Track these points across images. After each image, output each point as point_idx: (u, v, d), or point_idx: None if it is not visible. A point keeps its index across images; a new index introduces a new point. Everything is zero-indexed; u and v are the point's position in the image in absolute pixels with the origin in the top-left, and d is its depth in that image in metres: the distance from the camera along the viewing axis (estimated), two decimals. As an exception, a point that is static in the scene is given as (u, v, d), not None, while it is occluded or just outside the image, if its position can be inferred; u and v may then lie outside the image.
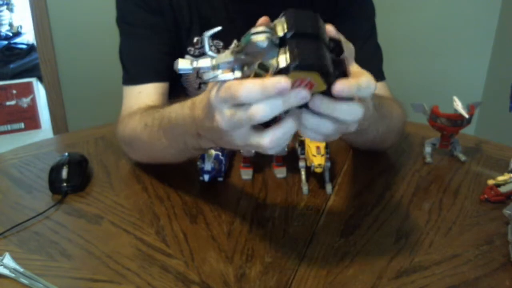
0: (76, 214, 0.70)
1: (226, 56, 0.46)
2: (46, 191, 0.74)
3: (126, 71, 0.87)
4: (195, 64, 0.47)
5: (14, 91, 2.75)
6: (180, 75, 0.92)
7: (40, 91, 2.74)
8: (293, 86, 0.44)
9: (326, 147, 0.69)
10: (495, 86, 2.16)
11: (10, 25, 3.62)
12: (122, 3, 0.86)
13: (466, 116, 0.77)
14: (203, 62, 0.47)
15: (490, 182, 0.74)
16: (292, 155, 0.79)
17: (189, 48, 0.89)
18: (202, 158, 0.73)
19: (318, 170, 0.67)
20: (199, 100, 0.56)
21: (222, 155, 0.75)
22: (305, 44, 0.44)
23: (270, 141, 0.47)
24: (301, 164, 0.75)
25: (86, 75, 2.22)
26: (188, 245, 0.63)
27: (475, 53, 2.20)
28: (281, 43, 0.45)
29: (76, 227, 0.67)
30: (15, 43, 3.41)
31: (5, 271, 0.57)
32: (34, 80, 2.78)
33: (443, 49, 2.19)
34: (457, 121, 0.78)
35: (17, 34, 3.54)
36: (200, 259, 0.60)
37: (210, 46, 0.50)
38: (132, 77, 0.85)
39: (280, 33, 0.45)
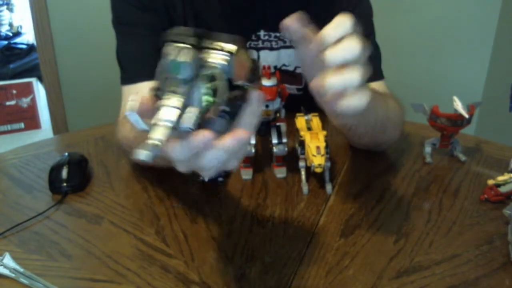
0: (76, 214, 0.70)
1: (165, 102, 0.41)
2: (46, 191, 0.74)
3: (124, 70, 0.87)
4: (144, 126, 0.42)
5: (14, 91, 2.75)
6: None
7: (40, 91, 2.74)
8: (236, 76, 0.43)
9: (326, 147, 0.69)
10: (495, 86, 2.16)
11: (10, 25, 3.62)
12: (116, 4, 0.87)
13: (466, 116, 0.77)
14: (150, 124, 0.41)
15: (490, 182, 0.74)
16: (292, 155, 0.79)
17: None
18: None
19: (318, 170, 0.67)
20: None
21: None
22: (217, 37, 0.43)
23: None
24: (301, 164, 0.75)
25: (86, 75, 2.22)
26: (188, 245, 0.63)
27: (475, 53, 2.20)
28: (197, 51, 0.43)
29: (76, 227, 0.67)
30: (15, 43, 3.40)
31: (5, 271, 0.57)
32: (34, 80, 2.78)
33: (443, 49, 2.19)
34: (457, 121, 0.78)
35: (17, 34, 3.54)
36: (200, 259, 0.60)
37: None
38: (129, 76, 0.85)
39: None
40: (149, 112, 0.42)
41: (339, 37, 0.48)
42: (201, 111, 0.41)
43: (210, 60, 0.43)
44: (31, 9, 2.11)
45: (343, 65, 0.49)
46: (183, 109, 0.41)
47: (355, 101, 0.50)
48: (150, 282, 0.56)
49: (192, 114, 0.40)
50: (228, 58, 0.42)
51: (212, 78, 0.42)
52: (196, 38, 0.43)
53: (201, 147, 0.41)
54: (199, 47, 0.43)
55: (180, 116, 0.40)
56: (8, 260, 0.58)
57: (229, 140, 0.42)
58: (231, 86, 0.43)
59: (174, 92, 0.41)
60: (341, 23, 0.49)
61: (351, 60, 0.48)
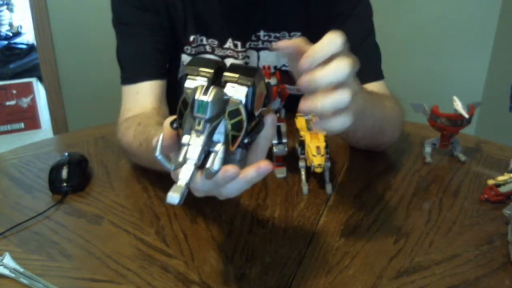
0: (76, 214, 0.70)
1: (190, 145, 0.43)
2: (46, 191, 0.74)
3: (124, 70, 0.87)
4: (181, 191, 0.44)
5: (14, 91, 2.75)
6: (177, 73, 0.93)
7: (40, 91, 2.74)
8: (256, 106, 0.45)
9: (326, 147, 0.69)
10: (495, 86, 2.16)
11: (10, 25, 3.62)
12: (116, 4, 0.87)
13: (466, 116, 0.77)
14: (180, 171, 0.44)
15: (490, 182, 0.74)
16: (292, 155, 0.79)
17: (185, 47, 0.89)
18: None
19: (318, 170, 0.67)
20: None
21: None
22: (238, 68, 0.45)
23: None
24: (301, 164, 0.75)
25: (86, 75, 2.22)
26: (188, 245, 0.63)
27: (475, 53, 2.20)
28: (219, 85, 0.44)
29: (76, 227, 0.67)
30: (15, 43, 3.41)
31: (5, 271, 0.57)
32: (34, 80, 2.78)
33: (443, 49, 2.19)
34: (457, 121, 0.78)
35: (17, 34, 3.54)
36: (200, 259, 0.60)
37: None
38: (129, 76, 0.85)
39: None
40: (171, 147, 0.45)
41: (329, 55, 0.48)
42: (225, 148, 0.43)
43: (231, 94, 0.43)
44: (31, 9, 2.11)
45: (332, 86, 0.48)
46: (208, 146, 0.42)
47: (339, 123, 0.50)
48: (150, 282, 0.56)
49: (219, 155, 0.42)
50: (248, 91, 0.43)
51: (235, 114, 0.43)
52: (215, 71, 0.44)
53: (226, 182, 0.43)
54: (219, 81, 0.44)
55: (205, 155, 0.42)
56: (8, 260, 0.58)
57: (252, 172, 0.44)
58: (250, 116, 0.44)
59: (200, 132, 0.42)
60: (331, 41, 0.48)
61: (340, 81, 0.48)
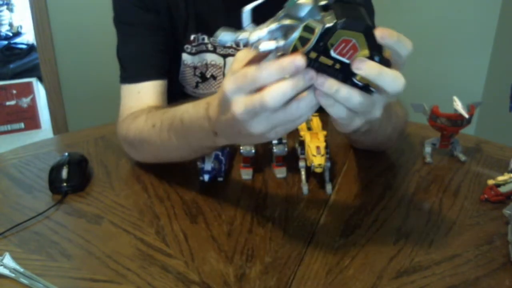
0: (76, 214, 0.70)
1: (269, 24, 0.46)
2: (46, 191, 0.74)
3: (124, 69, 0.87)
4: (236, 35, 0.47)
5: (14, 91, 2.75)
6: (177, 73, 0.93)
7: (40, 91, 2.74)
8: (337, 49, 0.45)
9: (326, 147, 0.69)
10: (495, 86, 2.16)
11: (10, 25, 3.62)
12: (118, 3, 0.87)
13: (466, 116, 0.77)
14: (245, 34, 0.47)
15: (490, 182, 0.74)
16: (292, 155, 0.79)
17: (186, 46, 0.89)
18: (202, 158, 0.73)
19: (318, 170, 0.67)
20: (213, 99, 0.56)
21: (222, 155, 0.75)
22: (350, 8, 0.45)
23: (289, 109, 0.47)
24: (301, 164, 0.75)
25: (86, 75, 2.22)
26: (188, 245, 0.63)
27: (475, 53, 2.20)
28: (325, 9, 0.45)
29: (76, 227, 0.67)
30: (15, 43, 3.40)
31: (5, 271, 0.57)
32: (34, 80, 2.78)
33: (443, 49, 2.19)
34: (457, 121, 0.78)
35: (17, 34, 3.54)
36: (200, 259, 0.60)
37: (248, 23, 0.49)
38: (130, 75, 0.85)
39: (323, 1, 0.46)
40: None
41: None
42: (283, 46, 0.45)
43: (319, 18, 0.45)
44: (31, 9, 2.11)
45: None
46: (272, 35, 0.46)
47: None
48: (150, 282, 0.56)
49: (277, 40, 0.46)
50: (333, 25, 0.44)
51: (310, 31, 0.45)
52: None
53: (289, 69, 0.45)
54: (322, 6, 0.45)
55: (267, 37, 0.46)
56: (8, 260, 0.58)
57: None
58: (325, 51, 0.45)
59: (277, 21, 0.46)
60: (406, 42, 0.47)
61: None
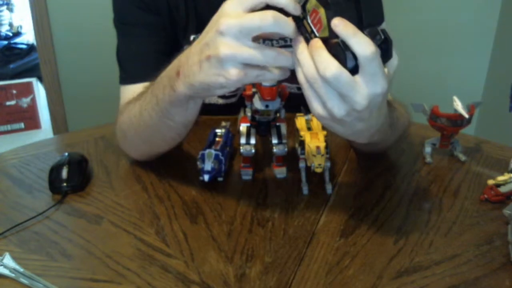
0: (76, 214, 0.70)
1: None
2: (46, 191, 0.74)
3: (124, 70, 0.87)
4: None
5: (14, 91, 2.75)
6: None
7: (40, 91, 2.74)
8: (311, 16, 0.46)
9: (326, 147, 0.69)
10: (495, 86, 2.16)
11: (10, 25, 3.62)
12: (118, 3, 0.87)
13: (466, 116, 0.77)
14: None
15: (490, 182, 0.74)
16: (292, 155, 0.79)
17: (186, 46, 0.89)
18: (202, 158, 0.73)
19: (318, 170, 0.67)
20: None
21: (222, 155, 0.75)
22: None
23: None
24: (301, 164, 0.75)
25: (86, 75, 2.22)
26: (188, 245, 0.63)
27: (475, 53, 2.20)
28: None
29: (76, 227, 0.67)
30: (15, 43, 3.41)
31: (5, 271, 0.57)
32: (34, 80, 2.78)
33: (443, 49, 2.19)
34: (457, 121, 0.78)
35: (17, 34, 3.54)
36: (200, 259, 0.60)
37: None
38: (129, 76, 0.85)
39: None
40: None
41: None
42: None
43: None
44: (31, 9, 2.11)
45: None
46: None
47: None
48: (150, 282, 0.56)
49: None
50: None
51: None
52: None
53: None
54: None
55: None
56: (8, 260, 0.58)
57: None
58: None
59: None
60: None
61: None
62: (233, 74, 0.52)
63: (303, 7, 0.47)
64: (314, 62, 0.48)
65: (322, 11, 0.45)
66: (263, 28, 0.49)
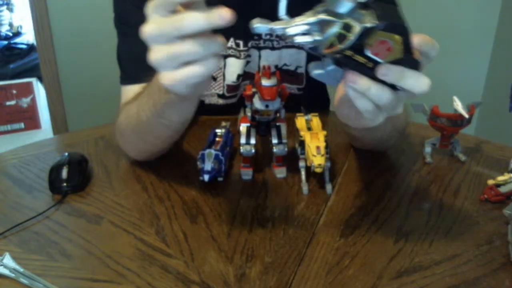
0: (76, 214, 0.70)
1: (306, 17, 0.47)
2: (46, 191, 0.74)
3: (124, 70, 0.87)
4: (271, 25, 0.48)
5: (14, 91, 2.75)
6: None
7: (40, 91, 2.74)
8: (373, 48, 0.46)
9: (326, 147, 0.69)
10: (495, 86, 2.16)
11: (10, 25, 3.62)
12: (119, 3, 0.87)
13: (466, 116, 0.77)
14: (281, 24, 0.48)
15: (490, 182, 0.74)
16: (292, 155, 0.79)
17: None
18: (202, 158, 0.73)
19: (318, 170, 0.67)
20: None
21: (222, 155, 0.75)
22: (389, 9, 0.46)
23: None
24: (301, 164, 0.75)
25: (86, 75, 2.22)
26: (188, 245, 0.63)
27: (475, 53, 2.20)
28: (364, 6, 0.46)
29: (76, 227, 0.67)
30: (15, 43, 3.40)
31: (5, 271, 0.57)
32: (34, 80, 2.78)
33: (443, 49, 2.18)
34: (457, 121, 0.78)
35: (17, 34, 3.54)
36: (200, 259, 0.60)
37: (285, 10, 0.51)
38: (130, 76, 0.85)
39: None
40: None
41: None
42: (320, 41, 0.46)
43: (359, 17, 0.45)
44: (31, 9, 2.11)
45: None
46: (311, 27, 0.46)
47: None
48: (150, 282, 0.56)
49: (313, 34, 0.46)
50: (367, 26, 0.45)
51: (348, 29, 0.45)
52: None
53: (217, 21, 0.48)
54: (360, 3, 0.46)
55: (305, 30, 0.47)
56: (8, 260, 0.58)
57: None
58: (360, 50, 0.46)
59: (315, 15, 0.46)
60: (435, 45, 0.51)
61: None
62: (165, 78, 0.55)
63: (354, 45, 0.46)
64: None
65: (397, 38, 0.46)
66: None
